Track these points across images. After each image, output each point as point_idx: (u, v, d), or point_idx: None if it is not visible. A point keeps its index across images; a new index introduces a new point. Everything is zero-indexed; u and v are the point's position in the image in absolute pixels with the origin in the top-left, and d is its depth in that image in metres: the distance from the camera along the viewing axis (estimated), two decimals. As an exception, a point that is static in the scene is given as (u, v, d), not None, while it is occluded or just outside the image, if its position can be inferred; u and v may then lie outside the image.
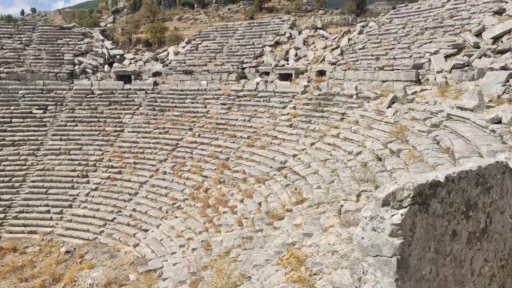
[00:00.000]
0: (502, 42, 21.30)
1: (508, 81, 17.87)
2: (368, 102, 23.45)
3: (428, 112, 18.51)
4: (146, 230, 23.18)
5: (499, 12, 22.95)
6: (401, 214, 3.22)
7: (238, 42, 37.45)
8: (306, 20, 48.49)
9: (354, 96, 24.54)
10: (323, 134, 22.99)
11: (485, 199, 3.96)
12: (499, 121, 13.27)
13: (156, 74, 36.36)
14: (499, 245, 4.13)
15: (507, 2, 23.07)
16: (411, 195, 3.26)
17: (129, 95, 34.68)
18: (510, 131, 11.55)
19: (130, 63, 38.90)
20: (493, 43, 21.64)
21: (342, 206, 14.04)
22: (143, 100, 33.78)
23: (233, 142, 26.59)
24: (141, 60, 39.46)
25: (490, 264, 4.01)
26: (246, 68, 33.80)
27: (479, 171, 3.95)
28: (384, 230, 3.24)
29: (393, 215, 3.24)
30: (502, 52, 20.62)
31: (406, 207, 3.24)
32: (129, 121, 32.13)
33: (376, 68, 25.76)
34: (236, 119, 28.69)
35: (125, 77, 36.28)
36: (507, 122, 12.76)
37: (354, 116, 22.87)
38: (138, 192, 26.06)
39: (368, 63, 26.69)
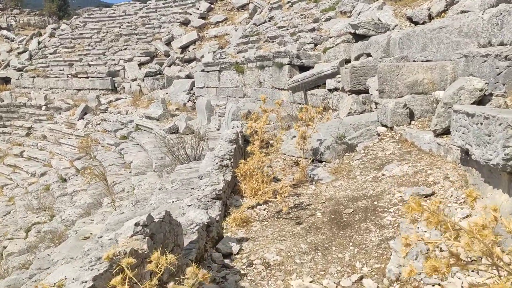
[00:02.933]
0: (189, 51, 21.95)
1: (192, 89, 18.19)
2: (60, 113, 20.41)
3: (120, 122, 17.05)
4: None
5: (185, 23, 23.76)
6: None
7: None
8: (-6, 19, 40.48)
9: (44, 107, 21.00)
10: (3, 154, 18.61)
11: None
12: (176, 130, 12.77)
13: None
14: None
15: (191, 14, 24.09)
16: None
17: None
18: (183, 141, 10.94)
19: None
20: (181, 52, 22.09)
21: (4, 248, 10.92)
22: None
23: None
24: None
25: None
26: None
27: None
28: None
29: None
30: (189, 61, 21.22)
31: None
32: None
33: (69, 76, 22.87)
34: None
35: None
36: (182, 131, 12.33)
37: (42, 130, 19.42)
38: None
39: (60, 70, 23.48)
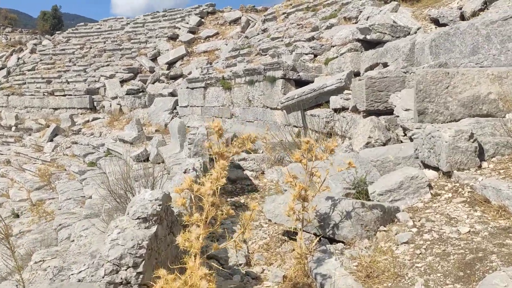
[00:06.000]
0: (175, 67, 19.64)
1: (175, 108, 15.78)
2: (30, 134, 17.93)
3: (91, 146, 14.58)
4: None
5: (173, 38, 21.52)
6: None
7: None
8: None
9: (14, 128, 18.52)
10: (-39, 182, 15.97)
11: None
12: (147, 158, 10.29)
13: None
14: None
15: (179, 29, 21.89)
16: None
17: None
18: (146, 174, 8.42)
19: None
20: (168, 68, 19.76)
21: None
22: None
23: None
24: None
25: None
26: None
27: None
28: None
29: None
30: (175, 77, 18.87)
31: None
32: None
33: (46, 93, 20.47)
34: None
35: None
36: (152, 159, 9.85)
37: (8, 153, 16.87)
38: None
39: (37, 87, 21.10)
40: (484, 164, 3.50)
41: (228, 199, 4.87)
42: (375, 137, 5.08)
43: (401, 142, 5.31)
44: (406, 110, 5.21)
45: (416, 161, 4.43)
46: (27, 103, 21.00)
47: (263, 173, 6.43)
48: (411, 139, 5.15)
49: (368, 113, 5.90)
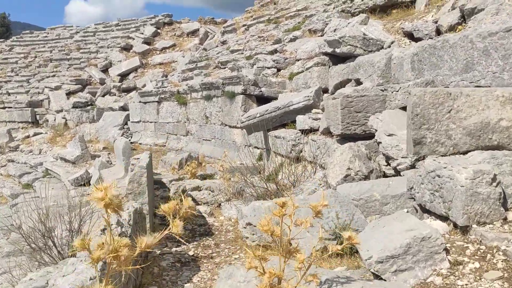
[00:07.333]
0: (128, 79, 18.22)
1: (126, 123, 14.40)
2: (-39, 151, 15.84)
3: (29, 165, 12.91)
4: None
5: (127, 49, 20.11)
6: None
7: None
8: None
9: None
10: None
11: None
12: (88, 181, 8.92)
13: None
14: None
15: (133, 39, 20.52)
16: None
17: None
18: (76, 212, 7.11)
19: None
20: (120, 81, 18.30)
21: None
22: None
23: None
24: None
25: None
26: None
27: None
28: None
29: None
30: (128, 90, 17.44)
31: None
32: None
33: (-18, 105, 18.37)
34: None
35: None
36: (94, 183, 8.50)
37: None
38: None
39: (-28, 98, 18.91)
40: (510, 216, 2.62)
41: (173, 249, 3.75)
42: (356, 169, 4.15)
43: (385, 173, 4.42)
44: (390, 135, 4.34)
45: (409, 201, 3.53)
46: (-39, 115, 18.79)
47: (219, 205, 5.36)
48: (396, 171, 4.27)
49: (343, 137, 4.99)
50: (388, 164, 4.43)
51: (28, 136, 16.05)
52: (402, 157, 4.16)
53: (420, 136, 3.31)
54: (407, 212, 3.37)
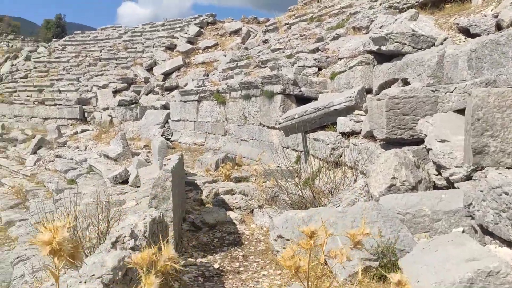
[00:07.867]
0: (171, 78, 18.37)
1: (167, 121, 14.45)
2: (15, 145, 16.62)
3: (74, 161, 13.22)
4: None
5: (171, 48, 20.30)
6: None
7: None
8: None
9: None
10: None
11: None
12: (126, 179, 8.90)
13: None
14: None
15: (178, 39, 20.68)
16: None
17: None
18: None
19: None
20: (163, 79, 18.49)
21: None
22: None
23: None
24: None
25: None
26: None
27: None
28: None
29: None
30: (170, 89, 17.57)
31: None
32: None
33: (36, 102, 19.21)
34: None
35: None
36: (132, 182, 8.47)
37: (-11, 165, 15.50)
38: None
39: (27, 96, 19.86)
40: None
41: (198, 260, 3.47)
42: (402, 179, 3.68)
43: (435, 184, 3.91)
44: (442, 141, 3.83)
45: (465, 219, 3.04)
46: (17, 111, 19.75)
47: (252, 211, 5.04)
48: (448, 181, 3.77)
49: (388, 142, 4.52)
50: (439, 174, 3.93)
51: (76, 133, 16.53)
52: (456, 166, 3.65)
53: (482, 144, 2.82)
54: (463, 231, 2.89)
